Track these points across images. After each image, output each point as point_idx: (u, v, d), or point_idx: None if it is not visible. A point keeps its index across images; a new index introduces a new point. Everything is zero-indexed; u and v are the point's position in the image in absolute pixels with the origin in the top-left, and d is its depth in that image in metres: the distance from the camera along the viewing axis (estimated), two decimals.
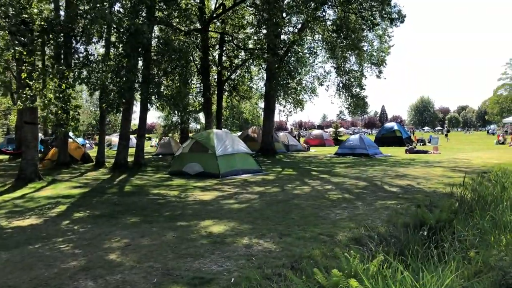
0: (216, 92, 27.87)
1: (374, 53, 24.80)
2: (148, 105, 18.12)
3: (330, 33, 21.24)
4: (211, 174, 14.19)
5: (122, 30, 12.18)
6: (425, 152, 24.55)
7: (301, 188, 11.42)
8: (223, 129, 21.86)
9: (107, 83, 12.50)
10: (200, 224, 7.38)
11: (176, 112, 19.55)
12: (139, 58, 12.62)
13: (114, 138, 42.68)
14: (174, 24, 20.25)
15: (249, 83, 28.77)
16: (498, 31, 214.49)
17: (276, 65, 21.05)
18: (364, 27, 19.83)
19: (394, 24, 19.84)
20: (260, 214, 8.08)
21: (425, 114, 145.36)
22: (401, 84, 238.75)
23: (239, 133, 33.65)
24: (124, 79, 12.45)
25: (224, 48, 26.44)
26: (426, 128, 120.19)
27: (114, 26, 12.37)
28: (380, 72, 25.13)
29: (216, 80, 27.61)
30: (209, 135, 15.16)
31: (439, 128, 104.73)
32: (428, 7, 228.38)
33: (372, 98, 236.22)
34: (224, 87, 27.78)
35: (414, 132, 69.98)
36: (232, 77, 27.68)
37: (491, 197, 9.13)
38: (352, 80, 23.52)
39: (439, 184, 11.59)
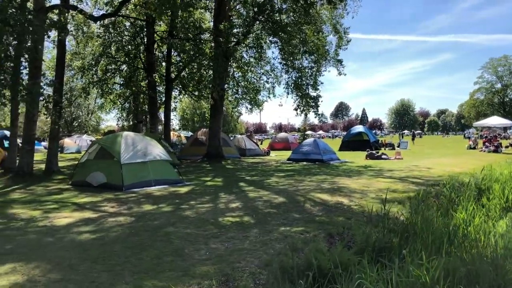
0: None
1: (329, 46, 22.83)
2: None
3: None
4: (114, 185, 11.84)
5: None
6: (385, 157, 22.50)
7: (201, 206, 9.12)
8: (139, 133, 19.36)
9: None
10: None
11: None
12: None
13: (68, 141, 39.97)
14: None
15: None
16: (480, 32, 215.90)
17: (222, 60, 18.85)
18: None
19: (333, 4, 17.78)
20: (100, 252, 5.79)
21: (405, 117, 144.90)
22: (384, 86, 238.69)
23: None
24: None
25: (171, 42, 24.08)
26: (406, 131, 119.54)
27: None
28: (338, 68, 23.10)
29: (164, 77, 25.27)
30: (116, 139, 12.79)
31: (406, 132, 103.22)
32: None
33: (353, 100, 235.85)
34: (173, 85, 25.42)
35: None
36: (182, 74, 25.32)
37: (426, 226, 6.89)
38: (304, 78, 21.29)
39: (375, 200, 9.43)
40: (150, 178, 12.41)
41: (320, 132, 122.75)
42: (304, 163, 20.24)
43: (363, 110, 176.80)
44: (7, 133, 23.54)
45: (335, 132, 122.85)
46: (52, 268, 5.18)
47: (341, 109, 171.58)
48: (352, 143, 32.16)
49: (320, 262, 5.22)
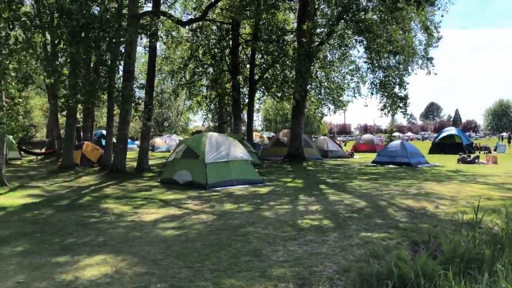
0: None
1: (418, 45, 21.71)
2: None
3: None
4: (198, 184, 12.28)
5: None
6: (479, 162, 20.89)
7: (280, 207, 9.13)
8: (224, 134, 19.66)
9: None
10: (84, 261, 5.46)
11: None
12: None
13: (158, 140, 42.16)
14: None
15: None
16: None
17: (304, 60, 18.75)
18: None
19: (421, 7, 16.79)
20: (182, 248, 6.02)
21: (504, 119, 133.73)
22: (479, 86, 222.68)
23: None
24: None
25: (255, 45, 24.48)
26: (504, 134, 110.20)
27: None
28: (428, 67, 21.89)
29: (248, 79, 25.75)
30: (201, 139, 13.23)
31: (504, 134, 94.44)
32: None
33: (445, 101, 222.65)
34: (257, 86, 25.83)
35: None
36: (265, 75, 25.63)
37: None
38: (390, 77, 20.41)
39: (465, 208, 8.79)
40: (232, 178, 12.67)
41: (409, 133, 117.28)
42: (390, 166, 19.45)
43: (456, 111, 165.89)
44: (104, 132, 25.34)
45: (424, 134, 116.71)
46: (138, 261, 5.47)
47: (431, 110, 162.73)
48: (443, 145, 30.30)
49: (402, 271, 4.95)
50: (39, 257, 5.64)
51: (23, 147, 26.86)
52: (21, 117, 11.89)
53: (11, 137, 16.64)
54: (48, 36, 15.47)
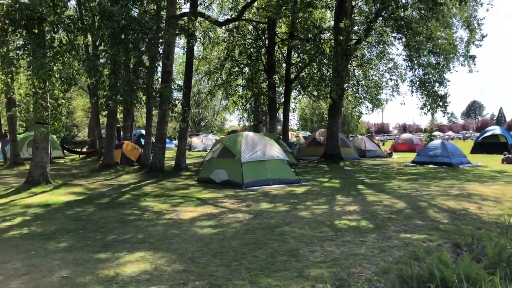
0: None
1: (459, 42, 20.98)
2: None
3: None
4: (235, 183, 12.36)
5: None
6: None
7: (317, 207, 9.05)
8: (259, 133, 19.63)
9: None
10: (124, 257, 5.59)
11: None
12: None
13: (195, 140, 42.69)
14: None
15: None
16: None
17: (342, 58, 18.52)
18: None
19: (464, 1, 16.20)
20: (219, 247, 6.07)
21: None
22: None
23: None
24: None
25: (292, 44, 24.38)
26: None
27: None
28: (469, 65, 21.17)
29: (284, 78, 25.69)
30: (237, 139, 13.31)
31: None
32: None
33: (487, 99, 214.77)
34: (293, 85, 25.74)
35: None
36: (302, 74, 25.51)
37: None
38: (430, 75, 19.81)
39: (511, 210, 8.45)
40: (268, 177, 12.67)
41: (450, 133, 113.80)
42: (430, 166, 18.95)
43: (500, 109, 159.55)
44: (144, 132, 25.92)
45: (466, 133, 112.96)
46: (176, 259, 5.54)
47: (473, 108, 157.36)
48: (486, 145, 29.21)
49: (444, 274, 4.80)
50: (82, 253, 5.82)
51: (66, 146, 27.84)
52: (64, 117, 12.28)
53: (54, 136, 17.27)
54: (89, 38, 15.99)
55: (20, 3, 9.84)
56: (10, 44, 11.74)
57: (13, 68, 10.66)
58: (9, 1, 9.86)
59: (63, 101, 11.93)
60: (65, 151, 27.30)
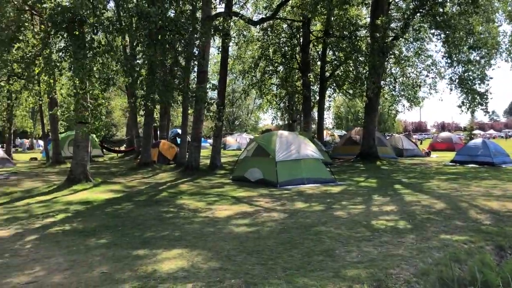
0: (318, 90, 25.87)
1: (502, 37, 20.19)
2: None
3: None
4: (269, 182, 12.35)
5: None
6: None
7: (353, 207, 8.93)
8: (293, 132, 19.46)
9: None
10: (162, 254, 5.69)
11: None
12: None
13: (230, 139, 42.99)
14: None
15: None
16: None
17: (378, 56, 18.19)
18: None
19: None
20: (255, 245, 6.08)
21: None
22: None
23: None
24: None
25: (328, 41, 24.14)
26: None
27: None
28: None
29: (319, 77, 25.49)
30: (271, 138, 13.30)
31: None
32: None
33: None
34: (327, 84, 25.50)
35: None
36: (337, 72, 25.23)
37: None
38: (470, 72, 19.14)
39: None
40: (303, 176, 12.59)
41: (491, 131, 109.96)
42: (470, 165, 18.36)
43: None
44: (180, 131, 26.30)
45: (509, 132, 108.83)
46: (212, 256, 5.59)
47: None
48: None
49: (487, 277, 4.64)
50: (121, 250, 5.95)
51: (105, 145, 28.62)
52: (104, 116, 12.62)
53: (94, 135, 17.78)
54: (127, 39, 16.35)
55: (62, 7, 10.17)
56: (53, 47, 12.18)
57: (55, 70, 11.04)
58: (52, 5, 10.20)
59: (103, 101, 12.24)
60: (104, 149, 28.07)
